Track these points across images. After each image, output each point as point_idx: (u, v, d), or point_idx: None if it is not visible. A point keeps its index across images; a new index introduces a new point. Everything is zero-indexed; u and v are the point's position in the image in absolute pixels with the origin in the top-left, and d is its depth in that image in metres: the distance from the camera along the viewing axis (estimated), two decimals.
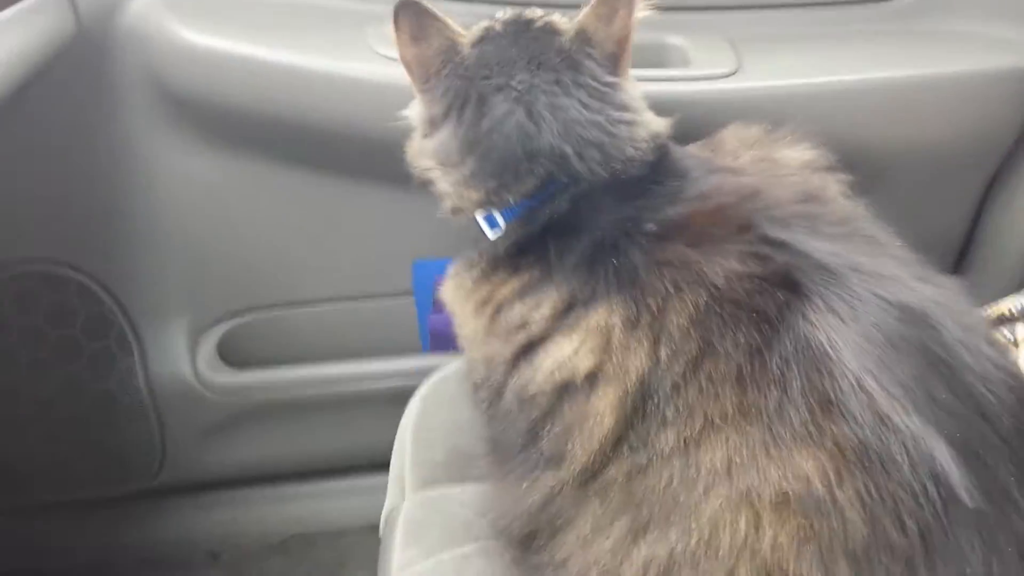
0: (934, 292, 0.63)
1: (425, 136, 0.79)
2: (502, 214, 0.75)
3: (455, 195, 0.77)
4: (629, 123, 0.75)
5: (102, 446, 1.24)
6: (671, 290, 0.63)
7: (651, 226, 0.69)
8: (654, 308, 0.63)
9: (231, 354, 1.22)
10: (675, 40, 1.04)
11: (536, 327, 0.69)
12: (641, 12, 0.78)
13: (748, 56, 1.02)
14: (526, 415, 0.68)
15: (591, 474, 0.63)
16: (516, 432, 0.68)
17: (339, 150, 1.04)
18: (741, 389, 0.58)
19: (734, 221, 0.67)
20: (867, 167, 1.03)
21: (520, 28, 0.77)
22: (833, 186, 0.83)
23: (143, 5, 0.98)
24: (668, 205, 0.71)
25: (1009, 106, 1.05)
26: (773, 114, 0.97)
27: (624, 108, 0.75)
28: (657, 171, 0.74)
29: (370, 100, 0.97)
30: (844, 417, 0.55)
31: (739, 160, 0.85)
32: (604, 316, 0.65)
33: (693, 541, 0.57)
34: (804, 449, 0.55)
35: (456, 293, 0.79)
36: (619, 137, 0.73)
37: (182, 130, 1.06)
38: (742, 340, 0.59)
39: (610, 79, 0.75)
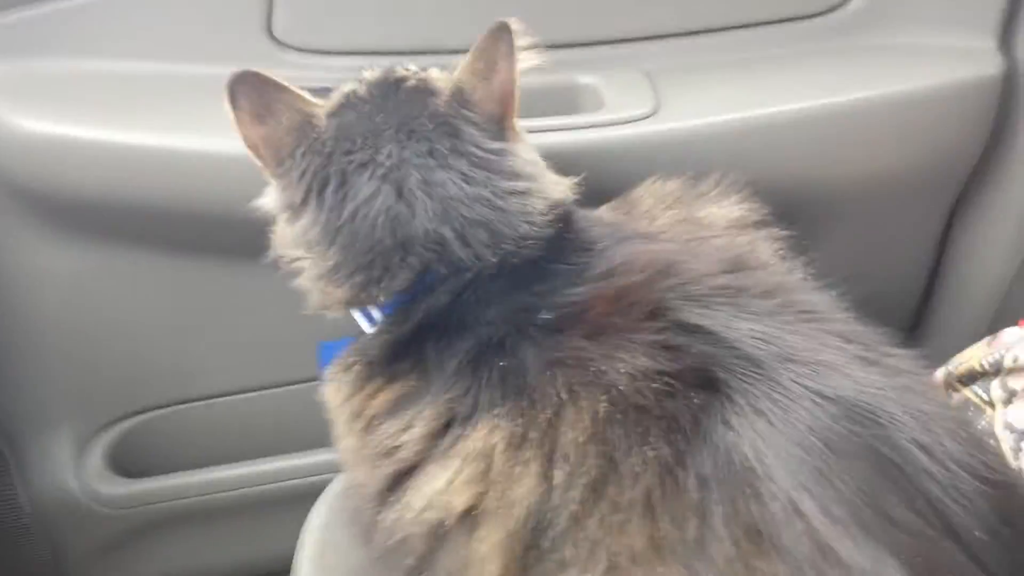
0: (881, 378, 0.52)
1: (287, 223, 0.67)
2: (379, 309, 0.64)
3: (318, 291, 0.66)
4: (522, 194, 0.64)
5: None
6: (565, 397, 0.53)
7: (546, 316, 0.58)
8: (544, 421, 0.53)
9: (124, 462, 1.09)
10: (587, 79, 0.93)
11: (407, 451, 0.57)
12: (526, 62, 0.67)
13: (668, 91, 0.90)
14: (398, 562, 0.57)
15: None
16: None
17: (214, 231, 0.92)
18: (651, 519, 0.48)
19: (643, 304, 0.56)
20: (812, 208, 0.93)
21: (388, 90, 0.66)
22: (764, 247, 0.72)
23: None
24: (568, 287, 0.60)
25: (972, 120, 0.94)
26: (701, 156, 0.87)
27: (515, 176, 0.64)
28: (558, 247, 0.63)
29: (237, 175, 0.84)
30: (777, 551, 0.45)
31: (656, 222, 0.75)
32: (484, 435, 0.54)
33: None
34: None
35: (332, 399, 0.67)
36: (509, 212, 0.63)
37: (38, 225, 0.94)
38: (650, 456, 0.49)
39: (495, 144, 0.64)
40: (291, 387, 1.08)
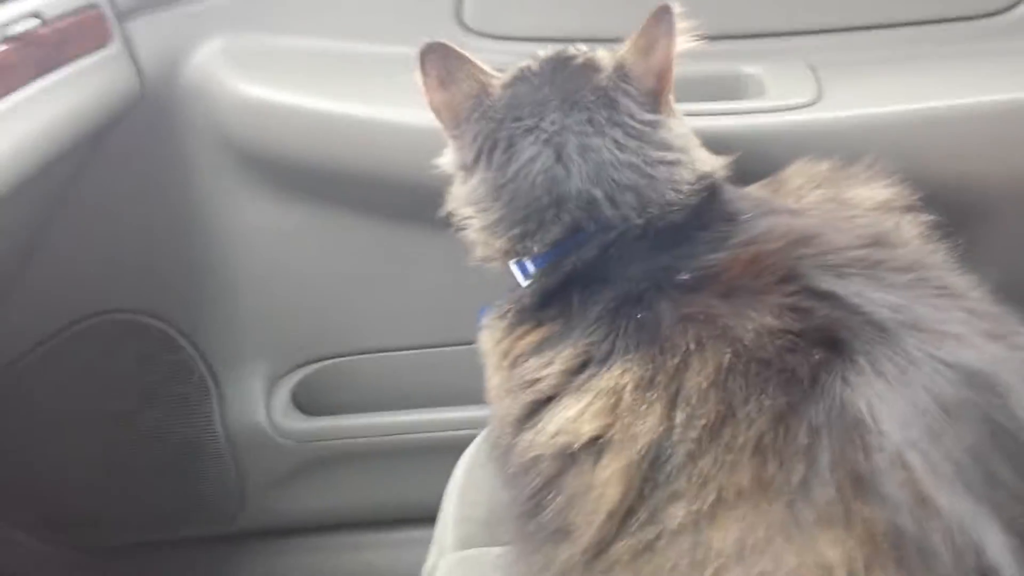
0: (1006, 352, 0.54)
1: (461, 183, 0.75)
2: (532, 262, 0.70)
3: (481, 243, 0.73)
4: (671, 163, 0.68)
5: (183, 490, 1.26)
6: (692, 347, 0.57)
7: (684, 276, 0.62)
8: (671, 367, 0.57)
9: (304, 402, 1.22)
10: (750, 69, 0.97)
11: (545, 384, 0.63)
12: (686, 43, 0.72)
13: (831, 83, 0.93)
14: (528, 481, 0.62)
15: (597, 551, 0.56)
16: (523, 499, 0.63)
17: (405, 198, 1.02)
18: (761, 460, 0.51)
19: (777, 269, 0.59)
20: (968, 204, 0.92)
21: (557, 66, 0.73)
22: (908, 228, 0.74)
23: (203, 60, 1.01)
24: (708, 252, 0.64)
25: None
26: (858, 146, 0.88)
27: (665, 147, 0.69)
28: (703, 215, 0.68)
29: (423, 145, 0.95)
30: (878, 497, 0.47)
31: (803, 200, 0.77)
32: (616, 376, 0.59)
33: None
34: (829, 533, 0.47)
35: (486, 344, 0.74)
36: (657, 179, 0.67)
37: (250, 182, 1.08)
38: (767, 404, 0.52)
39: (649, 116, 0.69)
40: (451, 348, 1.17)
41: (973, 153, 0.92)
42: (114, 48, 0.97)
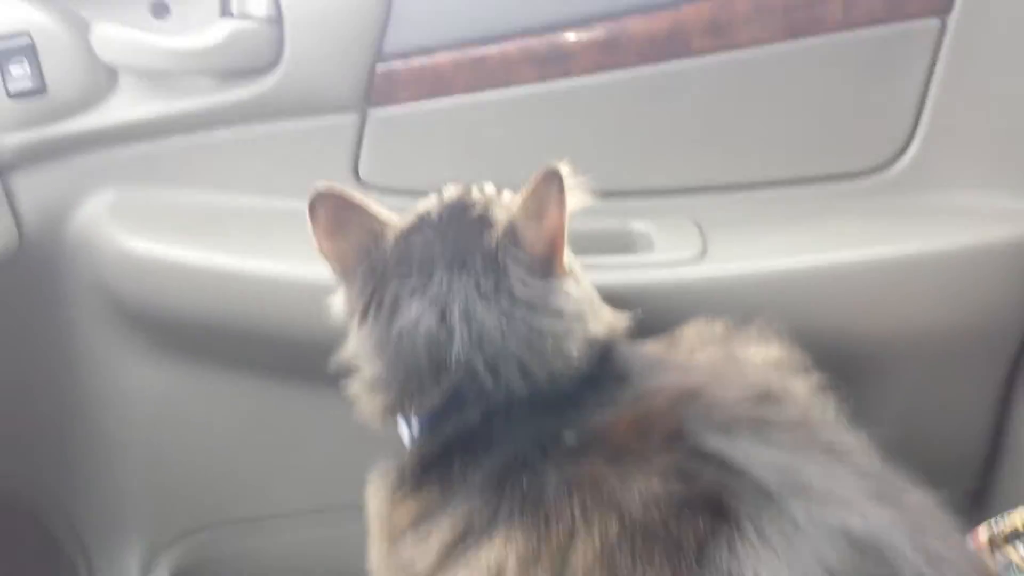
0: (895, 514, 0.53)
1: (353, 332, 0.73)
2: (416, 422, 0.68)
3: (363, 398, 0.71)
4: (559, 334, 0.67)
5: None
6: (579, 517, 0.55)
7: (570, 439, 0.61)
8: (557, 541, 0.55)
9: None
10: (640, 225, 0.98)
11: (422, 564, 0.60)
12: (577, 204, 0.71)
13: (717, 239, 0.95)
14: None
15: None
16: None
17: (292, 355, 0.99)
18: None
19: (664, 428, 0.59)
20: (855, 359, 0.93)
21: (455, 216, 0.72)
22: (798, 385, 0.73)
23: (90, 214, 0.98)
24: (596, 413, 0.63)
25: (1021, 281, 0.94)
26: (745, 301, 0.90)
27: (555, 315, 0.67)
28: (593, 376, 0.66)
29: (319, 301, 0.93)
30: None
31: (695, 356, 0.77)
32: (499, 547, 0.57)
33: None
34: None
35: (370, 505, 0.71)
36: (543, 351, 0.66)
37: (134, 340, 1.04)
38: None
39: (538, 283, 0.67)
40: (347, 510, 1.10)
41: (858, 308, 0.93)
42: None
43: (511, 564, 0.56)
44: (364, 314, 0.70)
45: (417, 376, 0.66)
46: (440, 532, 0.61)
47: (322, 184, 0.72)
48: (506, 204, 0.73)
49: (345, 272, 0.73)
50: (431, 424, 0.67)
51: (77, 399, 1.06)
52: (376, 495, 0.70)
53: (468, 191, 0.75)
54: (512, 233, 0.68)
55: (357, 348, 0.71)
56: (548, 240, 0.68)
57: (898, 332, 0.95)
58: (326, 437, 1.07)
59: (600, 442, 0.60)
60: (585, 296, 0.71)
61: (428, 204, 0.74)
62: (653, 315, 0.89)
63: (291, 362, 1.01)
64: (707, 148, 0.99)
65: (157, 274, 0.97)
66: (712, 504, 0.53)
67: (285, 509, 1.12)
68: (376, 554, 0.68)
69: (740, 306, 0.89)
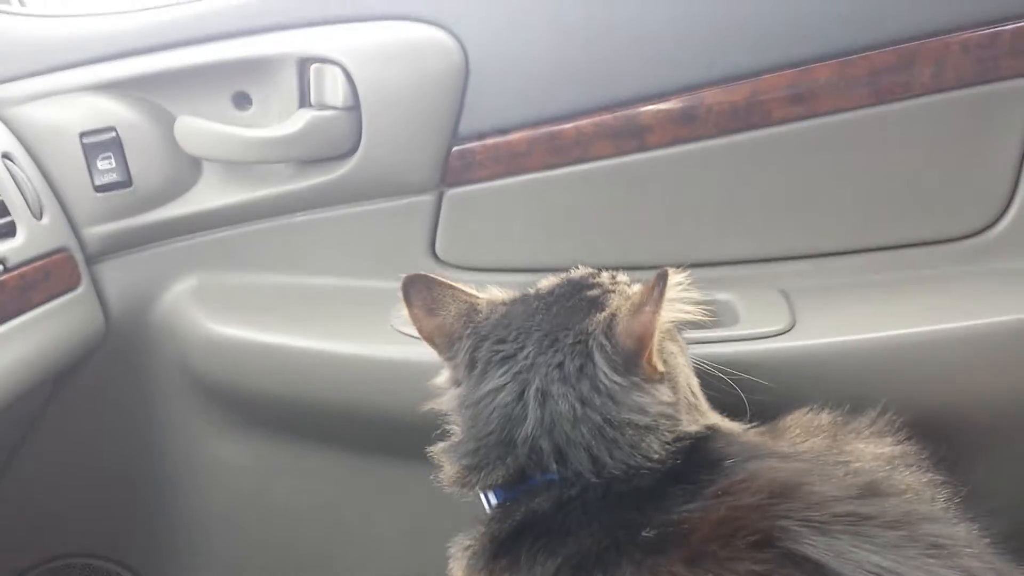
0: None
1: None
2: (494, 496, 0.67)
3: (443, 461, 0.70)
4: (639, 427, 0.64)
5: None
6: None
7: (648, 533, 0.58)
8: None
9: None
10: (724, 296, 0.95)
11: None
12: (676, 312, 0.70)
13: (805, 309, 0.91)
14: None
15: None
16: None
17: (376, 431, 0.99)
18: None
19: (750, 530, 0.55)
20: (967, 436, 0.88)
21: (568, 293, 0.71)
22: (908, 478, 0.69)
23: (173, 299, 1.01)
24: (681, 504, 0.60)
25: None
26: (836, 374, 0.87)
27: (636, 410, 0.64)
28: (681, 469, 0.63)
29: (398, 380, 0.93)
30: None
31: (796, 447, 0.73)
32: None
33: None
34: None
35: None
36: (618, 443, 0.63)
37: (217, 418, 1.05)
38: None
39: (618, 378, 0.65)
40: None
41: (959, 379, 0.88)
42: (82, 290, 0.97)
43: None
44: (458, 375, 0.70)
45: (487, 449, 0.65)
46: None
47: (409, 270, 0.73)
48: (627, 294, 0.71)
49: (450, 343, 0.72)
50: (503, 503, 0.66)
51: (163, 474, 1.08)
52: (459, 569, 0.68)
53: (596, 273, 0.74)
54: (611, 321, 0.66)
55: (448, 408, 0.71)
56: (637, 337, 0.65)
57: (1006, 402, 0.89)
58: (404, 511, 1.06)
59: (681, 541, 0.56)
60: (677, 400, 0.68)
61: (551, 281, 0.74)
62: (741, 390, 0.87)
63: (368, 437, 1.01)
64: (792, 216, 0.96)
65: (238, 354, 0.99)
66: None
67: None
68: None
69: (831, 378, 0.86)
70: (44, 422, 1.03)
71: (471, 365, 0.69)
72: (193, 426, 1.06)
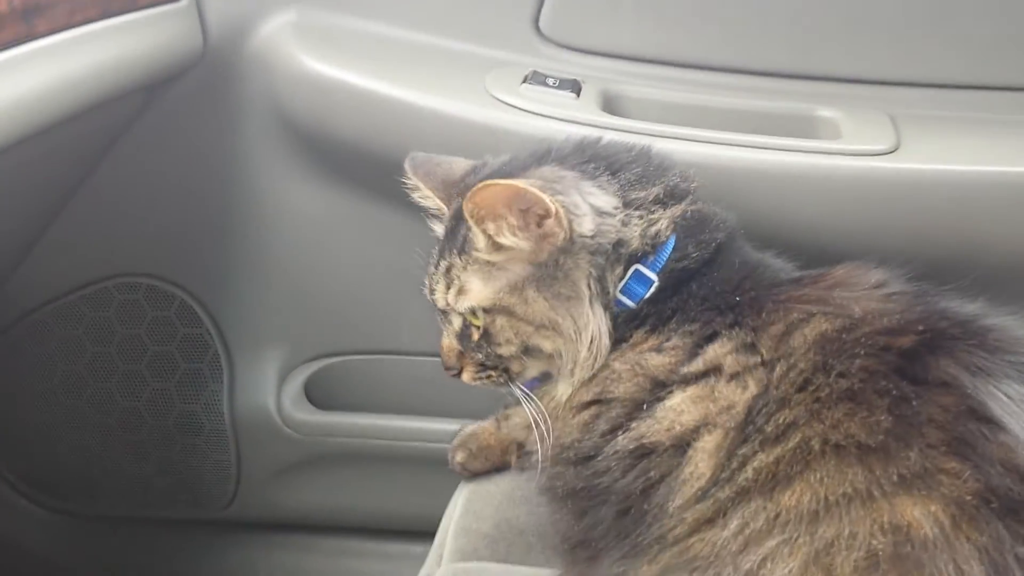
0: None
1: None
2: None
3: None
4: None
5: (181, 467, 1.22)
6: (800, 317, 0.62)
7: (789, 274, 0.70)
8: (776, 333, 0.62)
9: (316, 394, 1.18)
10: (827, 112, 0.93)
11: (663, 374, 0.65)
12: None
13: (910, 135, 0.89)
14: (626, 478, 0.62)
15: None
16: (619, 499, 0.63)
17: None
18: (849, 413, 0.54)
19: (869, 280, 0.66)
20: None
21: None
22: None
23: (272, 31, 0.99)
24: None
25: None
26: (933, 203, 0.86)
27: None
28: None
29: (483, 144, 0.92)
30: (974, 457, 0.50)
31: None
32: (717, 349, 0.63)
33: None
34: (911, 492, 0.49)
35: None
36: None
37: (300, 162, 1.06)
38: (868, 364, 0.56)
39: None
40: None
41: None
42: (185, 3, 0.96)
43: (729, 357, 0.62)
44: None
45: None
46: (674, 348, 0.65)
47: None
48: None
49: None
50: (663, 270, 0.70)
51: (239, 211, 1.09)
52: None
53: None
54: None
55: None
56: None
57: None
58: None
59: (817, 280, 0.66)
60: None
61: None
62: (837, 204, 0.87)
63: None
64: (907, 42, 0.94)
65: (328, 94, 0.97)
66: (927, 318, 0.59)
67: (416, 349, 1.14)
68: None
69: (928, 206, 0.86)
70: (128, 136, 1.03)
71: None
72: (271, 166, 1.06)
